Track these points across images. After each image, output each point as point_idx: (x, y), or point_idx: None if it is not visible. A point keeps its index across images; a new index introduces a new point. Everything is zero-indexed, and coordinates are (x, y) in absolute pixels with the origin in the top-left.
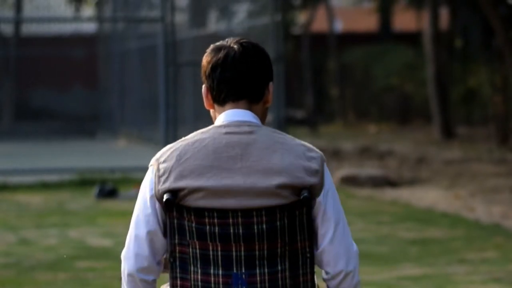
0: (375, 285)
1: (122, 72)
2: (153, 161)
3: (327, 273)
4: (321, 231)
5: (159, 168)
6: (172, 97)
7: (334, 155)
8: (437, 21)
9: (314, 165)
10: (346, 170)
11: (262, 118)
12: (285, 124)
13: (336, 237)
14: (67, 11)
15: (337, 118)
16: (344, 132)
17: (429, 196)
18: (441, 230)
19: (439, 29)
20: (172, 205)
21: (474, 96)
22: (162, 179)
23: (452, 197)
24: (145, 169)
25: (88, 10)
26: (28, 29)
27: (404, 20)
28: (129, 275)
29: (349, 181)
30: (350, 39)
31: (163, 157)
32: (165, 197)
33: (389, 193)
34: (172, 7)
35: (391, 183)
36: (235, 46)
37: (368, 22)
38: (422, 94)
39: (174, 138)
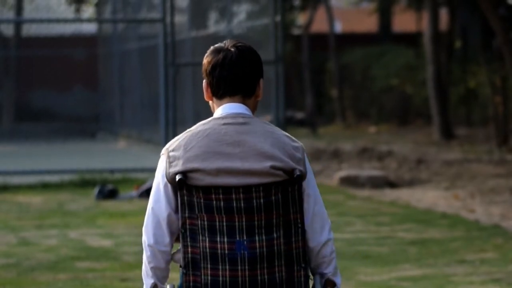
0: (375, 286)
1: (122, 73)
2: (163, 150)
3: (309, 245)
4: (304, 208)
5: (169, 155)
6: (172, 98)
7: (334, 155)
8: (437, 22)
9: (298, 154)
10: (345, 171)
11: (253, 110)
12: (285, 124)
13: (315, 214)
14: (67, 12)
15: (336, 118)
16: (343, 132)
17: (428, 197)
18: (440, 231)
19: (438, 30)
20: (184, 184)
21: (473, 97)
22: (173, 164)
23: (452, 197)
24: (145, 170)
25: (88, 11)
26: (29, 30)
27: (404, 21)
28: (149, 246)
29: (349, 181)
30: (349, 40)
31: (172, 146)
32: (177, 177)
33: (389, 194)
34: (172, 8)
35: (391, 184)
36: (232, 49)
37: (368, 23)
38: (422, 95)
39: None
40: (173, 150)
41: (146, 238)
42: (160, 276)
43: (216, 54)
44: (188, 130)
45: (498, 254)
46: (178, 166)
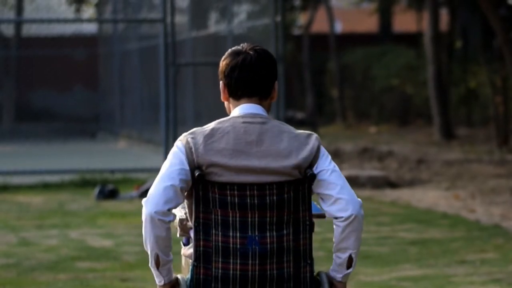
0: (375, 286)
1: (122, 73)
2: (181, 137)
3: (340, 217)
4: (328, 181)
5: (188, 141)
6: (173, 98)
7: (334, 155)
8: (437, 22)
9: (315, 144)
10: (346, 171)
11: (268, 110)
12: None
13: (345, 185)
14: (68, 12)
15: (337, 119)
16: (344, 133)
17: (429, 197)
18: (441, 231)
19: (439, 30)
20: (202, 178)
21: (474, 97)
22: (193, 150)
23: (452, 198)
24: (145, 170)
25: (88, 11)
26: (29, 30)
27: (404, 21)
28: (150, 216)
29: (349, 181)
30: (350, 40)
31: (192, 134)
32: (196, 173)
33: (389, 194)
34: (172, 8)
35: (391, 184)
36: (251, 52)
37: (368, 23)
38: (422, 95)
39: (175, 139)
40: (193, 138)
41: (146, 208)
42: (163, 246)
43: (235, 57)
44: (207, 125)
45: (499, 254)
46: (198, 157)
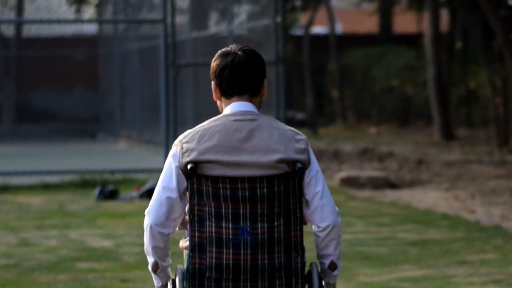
0: (375, 287)
1: (122, 73)
2: (176, 142)
3: (318, 227)
4: (313, 191)
5: (183, 146)
6: (173, 98)
7: (335, 156)
8: (437, 23)
9: (302, 145)
10: (346, 172)
11: (259, 107)
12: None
13: (324, 195)
14: (68, 12)
15: (337, 119)
16: (344, 133)
17: (429, 198)
18: (441, 232)
19: (439, 31)
20: (195, 172)
21: (474, 98)
22: (186, 155)
23: (452, 198)
24: (145, 171)
25: (88, 12)
26: (29, 30)
27: (405, 21)
28: (150, 227)
29: (349, 182)
30: (350, 40)
31: (185, 138)
32: (189, 166)
33: (389, 195)
34: (172, 9)
35: (391, 185)
36: (239, 53)
37: (368, 23)
38: (422, 96)
39: (175, 140)
40: (186, 142)
41: (147, 219)
42: (161, 254)
43: (225, 57)
44: (200, 125)
45: (499, 255)
46: (191, 157)
